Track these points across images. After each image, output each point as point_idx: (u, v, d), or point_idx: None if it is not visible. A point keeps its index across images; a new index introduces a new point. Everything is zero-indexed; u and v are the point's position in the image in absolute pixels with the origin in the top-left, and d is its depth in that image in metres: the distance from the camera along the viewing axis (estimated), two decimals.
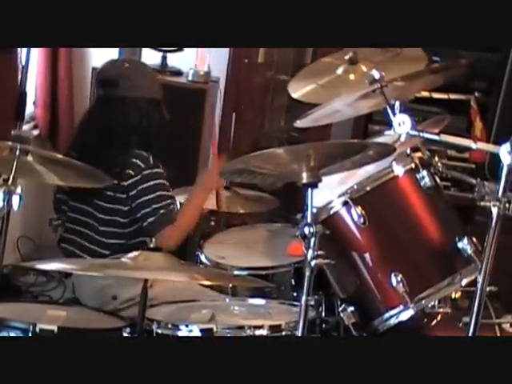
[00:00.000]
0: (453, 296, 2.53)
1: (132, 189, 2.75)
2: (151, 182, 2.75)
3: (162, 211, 2.74)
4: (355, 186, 2.41)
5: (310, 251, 2.11)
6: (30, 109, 4.06)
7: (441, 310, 2.47)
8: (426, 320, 2.55)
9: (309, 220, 2.13)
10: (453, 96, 3.92)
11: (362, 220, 2.37)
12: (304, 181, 2.15)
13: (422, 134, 2.27)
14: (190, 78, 4.04)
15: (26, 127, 3.95)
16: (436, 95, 3.83)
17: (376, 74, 2.39)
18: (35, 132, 4.06)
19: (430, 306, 2.44)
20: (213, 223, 3.60)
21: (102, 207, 2.81)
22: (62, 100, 4.08)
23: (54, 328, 2.26)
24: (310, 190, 2.15)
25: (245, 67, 4.21)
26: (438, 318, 2.55)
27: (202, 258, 2.99)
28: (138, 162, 2.76)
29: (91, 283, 2.79)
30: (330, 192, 2.44)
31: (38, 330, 2.25)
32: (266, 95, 4.40)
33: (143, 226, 2.76)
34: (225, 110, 4.16)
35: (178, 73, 4.09)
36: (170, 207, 2.77)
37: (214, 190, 3.01)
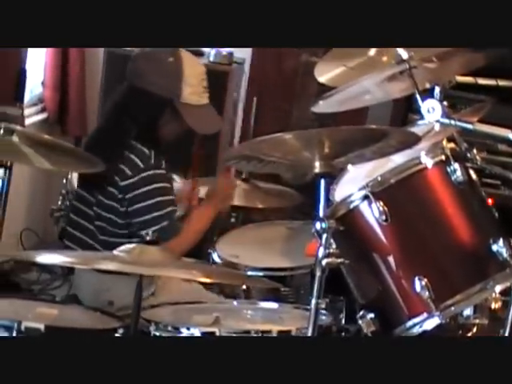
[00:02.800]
0: (492, 306, 2.49)
1: (128, 191, 2.71)
2: (150, 186, 2.70)
3: (165, 222, 2.69)
4: (378, 178, 2.36)
5: (322, 249, 2.09)
6: (38, 90, 4.11)
7: (477, 320, 2.44)
8: (460, 332, 2.51)
9: (321, 214, 2.11)
10: (502, 82, 3.83)
11: (383, 217, 2.32)
12: (317, 170, 2.13)
13: (453, 122, 2.24)
14: (211, 59, 4.06)
15: (32, 109, 4.00)
16: (482, 81, 3.73)
17: (403, 54, 2.36)
18: (43, 115, 4.10)
19: (464, 316, 2.40)
20: (233, 220, 3.60)
21: (101, 201, 2.79)
22: (72, 80, 4.11)
23: (41, 326, 2.25)
24: (322, 181, 2.14)
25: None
26: (474, 329, 2.52)
27: (215, 256, 2.99)
28: (136, 160, 2.70)
29: (88, 285, 2.80)
30: (356, 186, 2.39)
31: (23, 328, 2.24)
32: (294, 79, 4.36)
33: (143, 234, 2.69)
34: (248, 96, 4.16)
35: (199, 53, 4.07)
36: (175, 215, 2.72)
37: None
